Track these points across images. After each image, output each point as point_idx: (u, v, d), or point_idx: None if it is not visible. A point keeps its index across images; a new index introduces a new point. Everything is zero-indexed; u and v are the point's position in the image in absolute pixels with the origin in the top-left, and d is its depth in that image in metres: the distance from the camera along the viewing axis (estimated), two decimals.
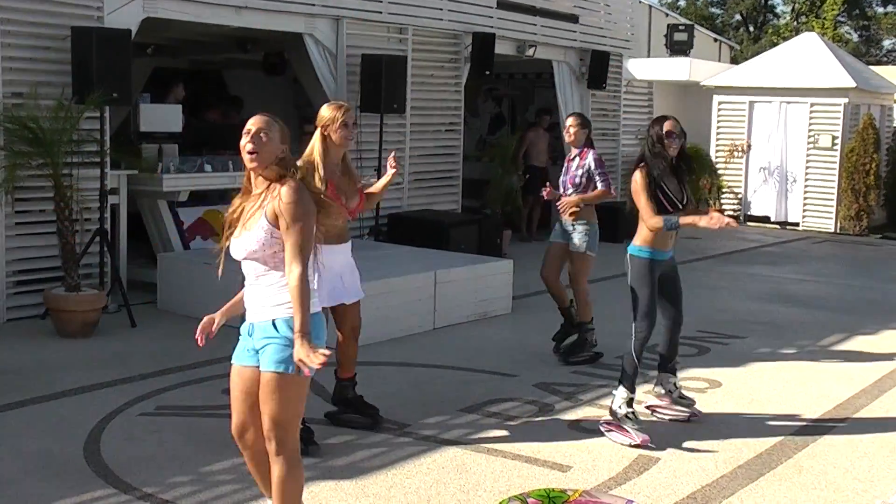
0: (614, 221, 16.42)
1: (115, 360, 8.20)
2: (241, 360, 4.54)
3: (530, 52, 15.59)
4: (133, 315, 9.38)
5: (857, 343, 9.77)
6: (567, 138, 8.75)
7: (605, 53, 16.84)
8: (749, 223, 19.97)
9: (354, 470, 5.87)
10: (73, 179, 9.19)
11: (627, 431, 6.55)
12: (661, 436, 6.67)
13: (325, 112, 6.24)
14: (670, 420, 7.03)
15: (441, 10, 13.92)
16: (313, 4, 12.07)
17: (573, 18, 16.56)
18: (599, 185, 8.57)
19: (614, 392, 6.80)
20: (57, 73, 9.50)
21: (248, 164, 4.40)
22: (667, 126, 6.74)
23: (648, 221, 6.63)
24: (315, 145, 6.19)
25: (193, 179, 10.87)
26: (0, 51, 9.19)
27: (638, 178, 6.72)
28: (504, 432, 6.66)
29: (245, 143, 4.37)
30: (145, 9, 10.32)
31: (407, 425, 6.71)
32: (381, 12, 12.98)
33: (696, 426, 6.90)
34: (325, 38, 12.33)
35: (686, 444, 6.53)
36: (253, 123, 4.42)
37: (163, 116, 11.39)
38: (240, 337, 4.58)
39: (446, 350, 8.90)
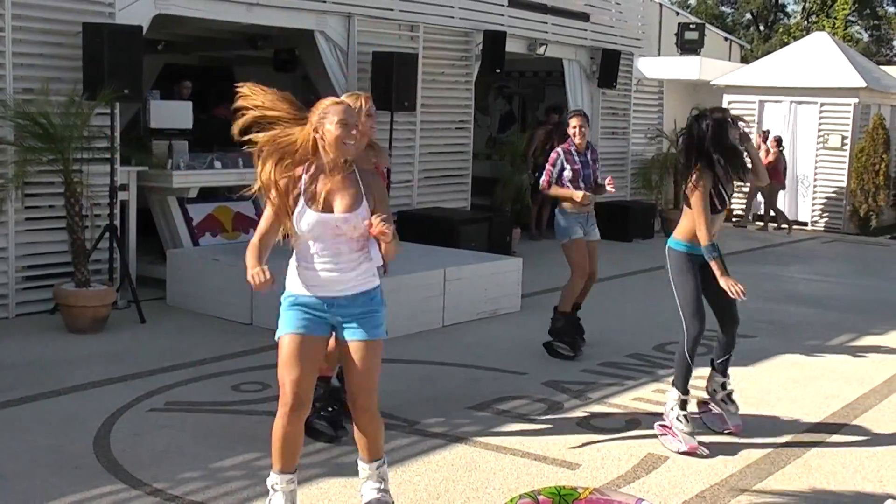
0: (625, 220, 16.50)
1: (124, 355, 8.22)
2: (313, 332, 4.84)
3: (541, 50, 15.58)
4: (142, 311, 9.40)
5: (867, 343, 9.76)
6: (578, 139, 8.69)
7: (616, 52, 16.83)
8: (757, 223, 19.94)
9: None
10: (83, 175, 9.20)
11: (678, 436, 6.42)
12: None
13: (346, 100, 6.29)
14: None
15: (452, 7, 13.92)
16: (325, 1, 12.08)
17: (584, 17, 16.55)
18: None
19: (668, 393, 6.71)
20: (68, 69, 9.52)
21: (346, 151, 4.74)
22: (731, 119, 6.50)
23: (702, 236, 6.39)
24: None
25: (203, 176, 10.88)
26: (11, 46, 9.20)
27: (700, 183, 6.39)
28: (513, 430, 6.66)
29: (351, 132, 4.72)
30: (157, 5, 10.33)
31: (416, 422, 6.71)
32: (392, 9, 12.98)
33: (704, 425, 6.87)
34: (336, 35, 12.34)
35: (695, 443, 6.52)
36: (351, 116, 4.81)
37: (173, 113, 11.41)
38: (299, 310, 4.85)
39: (455, 347, 8.90)
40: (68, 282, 9.14)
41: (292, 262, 4.88)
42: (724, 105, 20.20)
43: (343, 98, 6.23)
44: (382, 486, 5.07)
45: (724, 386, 6.82)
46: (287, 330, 4.83)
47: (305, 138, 4.71)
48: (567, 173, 8.61)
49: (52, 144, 8.96)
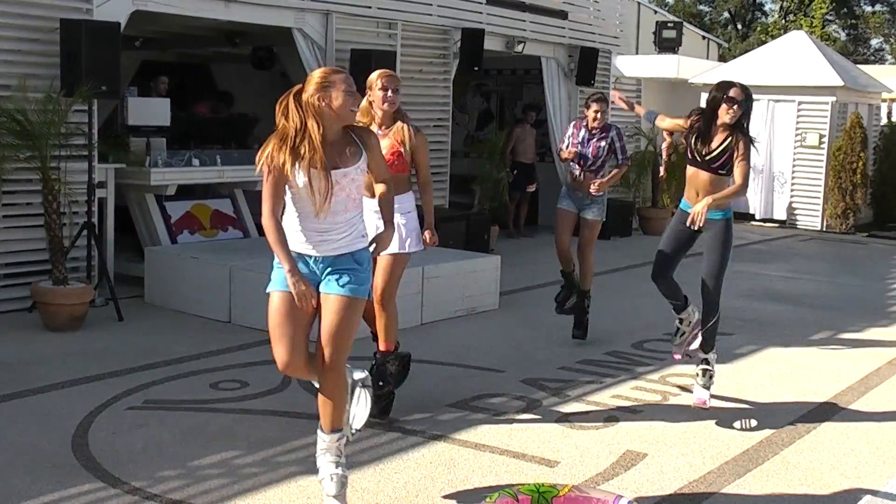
0: (628, 216, 16.59)
1: (102, 353, 8.19)
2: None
3: (519, 48, 15.58)
4: (120, 309, 9.36)
5: (844, 340, 9.82)
6: (595, 122, 9.08)
7: (594, 50, 16.84)
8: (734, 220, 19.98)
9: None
10: (60, 172, 9.16)
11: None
12: (648, 432, 6.70)
13: (372, 76, 6.70)
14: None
15: (430, 5, 13.91)
16: None
17: (562, 15, 16.56)
18: (620, 157, 9.30)
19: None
20: (45, 66, 9.46)
21: (350, 118, 5.03)
22: (732, 92, 6.90)
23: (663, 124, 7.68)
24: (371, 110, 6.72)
25: (181, 173, 10.86)
26: None
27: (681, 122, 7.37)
28: (492, 428, 6.67)
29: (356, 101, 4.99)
30: (134, 2, 10.27)
31: (395, 420, 6.71)
32: (370, 7, 12.96)
33: (682, 423, 6.91)
34: (314, 32, 12.31)
35: (674, 440, 6.55)
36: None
37: (151, 110, 11.37)
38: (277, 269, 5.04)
39: (433, 346, 8.90)
40: (46, 279, 9.10)
41: (285, 220, 5.00)
42: (702, 103, 20.27)
43: (375, 75, 6.62)
44: (341, 460, 5.12)
45: (700, 362, 7.37)
46: (277, 287, 5.02)
47: (297, 121, 4.86)
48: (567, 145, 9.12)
49: (29, 141, 8.90)
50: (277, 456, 5.99)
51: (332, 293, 4.99)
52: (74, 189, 9.56)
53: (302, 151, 4.81)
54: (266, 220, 4.90)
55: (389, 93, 6.61)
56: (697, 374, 7.33)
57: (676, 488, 5.75)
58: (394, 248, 6.41)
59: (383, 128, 6.70)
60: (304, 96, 4.88)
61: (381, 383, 6.68)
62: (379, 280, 6.61)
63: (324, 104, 4.85)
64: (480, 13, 14.75)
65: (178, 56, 16.43)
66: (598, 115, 9.00)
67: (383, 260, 6.58)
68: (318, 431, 5.14)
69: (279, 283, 5.00)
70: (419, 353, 8.47)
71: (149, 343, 8.56)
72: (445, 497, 5.48)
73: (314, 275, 5.03)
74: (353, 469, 5.76)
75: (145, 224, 11.04)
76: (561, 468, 5.98)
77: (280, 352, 5.05)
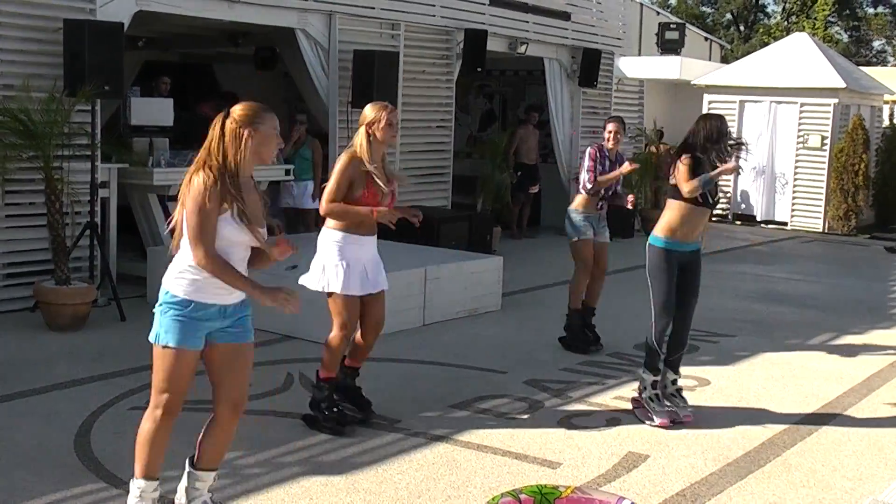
0: (630, 218, 16.63)
1: (105, 353, 8.19)
2: (200, 346, 4.68)
3: (522, 49, 15.59)
4: (123, 308, 9.37)
5: (846, 342, 9.82)
6: (611, 145, 8.87)
7: (597, 51, 16.85)
8: (737, 222, 20.02)
9: (345, 465, 5.88)
10: (63, 172, 9.17)
11: (650, 413, 6.91)
12: (650, 434, 6.71)
13: (370, 111, 6.41)
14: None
15: (434, 6, 13.92)
16: None
17: (565, 16, 16.56)
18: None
19: (640, 374, 7.18)
20: (49, 66, 9.47)
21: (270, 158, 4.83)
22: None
23: (686, 187, 6.78)
24: (360, 141, 6.40)
25: (184, 173, 10.82)
26: None
27: (682, 167, 6.83)
28: (494, 429, 6.67)
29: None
30: (138, 2, 10.29)
31: (397, 421, 6.72)
32: (373, 7, 12.97)
33: (684, 424, 6.90)
34: (317, 32, 12.32)
35: (675, 442, 6.56)
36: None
37: (154, 110, 11.39)
38: (195, 321, 4.65)
39: (436, 346, 8.91)
40: (49, 279, 9.11)
41: (192, 268, 4.67)
42: (705, 104, 20.31)
43: (368, 107, 6.47)
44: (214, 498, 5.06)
45: (674, 382, 7.18)
46: (186, 344, 4.64)
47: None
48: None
49: (32, 141, 8.92)
50: (280, 456, 6.00)
51: (239, 343, 4.76)
52: (77, 189, 9.57)
53: None
54: None
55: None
56: (675, 394, 7.16)
57: (678, 490, 5.75)
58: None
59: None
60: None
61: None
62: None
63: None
64: (483, 14, 14.75)
65: (180, 56, 16.43)
66: (611, 135, 8.84)
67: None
68: (198, 471, 4.95)
69: (185, 339, 4.63)
70: (421, 353, 8.50)
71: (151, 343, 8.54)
72: (447, 499, 5.49)
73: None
74: (355, 470, 5.78)
75: (148, 224, 11.05)
76: (563, 469, 5.99)
77: (175, 401, 4.75)
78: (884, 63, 52.70)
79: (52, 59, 9.47)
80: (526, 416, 7.00)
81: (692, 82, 20.49)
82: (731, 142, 7.04)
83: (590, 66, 16.66)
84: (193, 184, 4.60)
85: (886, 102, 22.03)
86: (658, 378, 7.09)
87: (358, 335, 6.70)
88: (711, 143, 6.88)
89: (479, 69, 14.37)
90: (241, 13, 11.45)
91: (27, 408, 6.73)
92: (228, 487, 5.46)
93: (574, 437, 6.58)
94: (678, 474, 6.00)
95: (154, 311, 4.73)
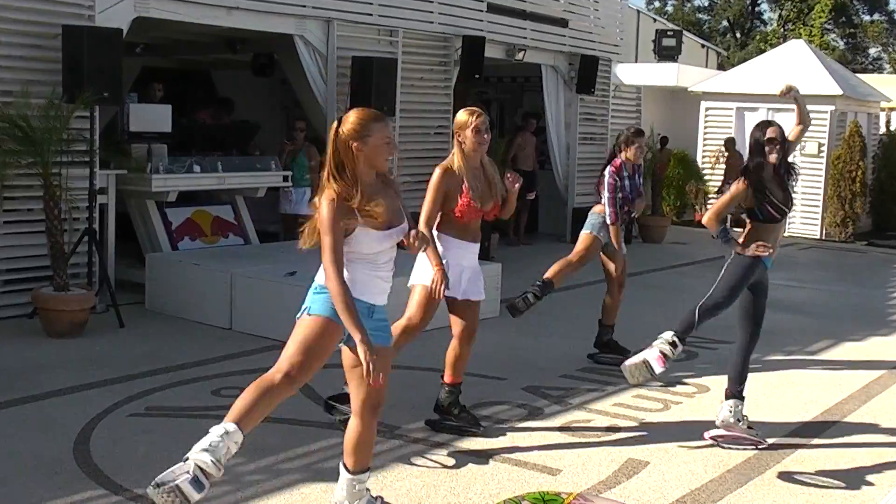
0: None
1: (103, 360, 8.18)
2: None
3: (520, 55, 15.61)
4: (121, 315, 9.36)
5: (844, 349, 9.82)
6: (636, 159, 8.72)
7: (594, 58, 16.87)
8: (735, 228, 20.01)
9: None
10: (62, 179, 9.16)
11: (661, 359, 6.47)
12: (650, 440, 6.71)
13: (460, 116, 6.52)
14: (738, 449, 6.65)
15: (432, 13, 13.94)
16: (304, 6, 12.07)
17: (563, 23, 16.59)
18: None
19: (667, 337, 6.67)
20: (47, 72, 9.47)
21: (385, 165, 4.94)
22: (769, 132, 6.59)
23: (706, 215, 6.69)
24: (455, 152, 6.57)
25: (182, 180, 10.86)
26: None
27: (734, 188, 6.65)
28: (494, 435, 6.67)
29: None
30: (136, 8, 10.30)
31: (397, 427, 6.71)
32: (371, 14, 12.99)
33: (684, 431, 6.90)
34: (315, 39, 12.33)
35: (675, 449, 6.55)
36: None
37: (152, 116, 11.37)
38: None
39: (435, 353, 8.86)
40: (47, 285, 9.10)
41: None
42: (702, 111, 20.33)
43: (460, 112, 6.56)
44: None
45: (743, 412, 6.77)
46: (336, 319, 4.67)
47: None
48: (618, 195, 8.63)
49: (31, 147, 8.92)
50: (279, 463, 5.99)
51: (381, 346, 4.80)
52: (75, 195, 9.56)
53: None
54: None
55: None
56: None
57: (678, 496, 5.75)
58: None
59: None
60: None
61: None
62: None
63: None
64: (481, 21, 14.77)
65: (178, 62, 16.43)
66: (642, 148, 8.76)
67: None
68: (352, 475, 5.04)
69: (330, 310, 4.69)
70: (420, 360, 8.48)
71: (150, 349, 8.56)
72: None
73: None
74: None
75: (146, 230, 11.05)
76: (563, 476, 5.98)
77: (306, 372, 4.79)
78: (880, 70, 52.83)
79: (50, 66, 9.47)
80: (525, 423, 7.00)
81: (689, 89, 20.51)
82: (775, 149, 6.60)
83: (587, 73, 16.68)
84: (320, 204, 4.71)
85: (883, 109, 22.06)
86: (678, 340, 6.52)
87: (451, 351, 6.80)
88: (756, 156, 6.60)
89: (476, 76, 14.38)
90: (240, 20, 11.45)
91: (25, 415, 6.72)
92: (228, 494, 5.45)
93: (574, 444, 6.57)
94: (678, 481, 5.99)
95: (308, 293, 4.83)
